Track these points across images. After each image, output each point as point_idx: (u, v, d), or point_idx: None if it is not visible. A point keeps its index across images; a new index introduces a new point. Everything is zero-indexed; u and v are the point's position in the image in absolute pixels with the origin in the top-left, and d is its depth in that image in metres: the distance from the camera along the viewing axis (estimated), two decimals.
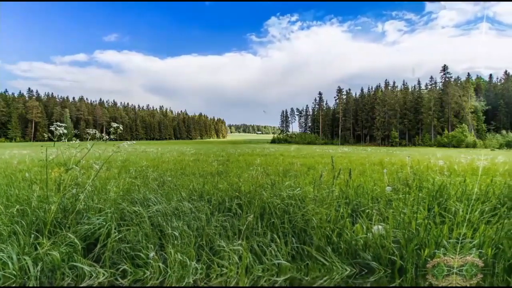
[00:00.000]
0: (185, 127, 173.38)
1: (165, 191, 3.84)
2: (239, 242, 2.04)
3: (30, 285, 2.33)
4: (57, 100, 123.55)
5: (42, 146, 3.89)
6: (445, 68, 79.80)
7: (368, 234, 2.00)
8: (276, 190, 3.22)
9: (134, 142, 3.76)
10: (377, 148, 44.04)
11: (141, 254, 2.31)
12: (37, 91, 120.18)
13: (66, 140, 3.46)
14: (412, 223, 2.09)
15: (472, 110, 73.74)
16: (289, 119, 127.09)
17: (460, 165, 5.53)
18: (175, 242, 2.30)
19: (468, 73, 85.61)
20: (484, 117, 74.05)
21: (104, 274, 2.37)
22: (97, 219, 3.06)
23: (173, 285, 2.00)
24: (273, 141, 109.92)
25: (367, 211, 2.45)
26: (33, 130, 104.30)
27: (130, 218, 3.03)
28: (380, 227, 2.06)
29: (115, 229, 2.77)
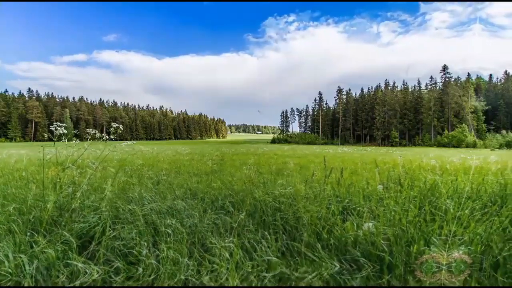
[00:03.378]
0: (185, 127, 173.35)
1: (160, 190, 3.86)
2: (231, 239, 2.05)
3: (26, 283, 2.34)
4: (57, 100, 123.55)
5: (42, 146, 3.90)
6: (445, 68, 79.80)
7: (359, 231, 2.01)
8: (268, 188, 3.25)
9: (134, 142, 3.78)
10: (377, 148, 44.06)
11: (134, 252, 2.32)
12: (37, 91, 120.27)
13: (66, 140, 3.47)
14: (403, 221, 2.11)
15: (472, 110, 73.73)
16: (289, 119, 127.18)
17: (452, 164, 5.54)
18: (168, 239, 2.32)
19: (468, 73, 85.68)
20: (484, 117, 74.04)
21: (98, 272, 2.39)
22: (92, 217, 3.09)
23: (165, 282, 2.02)
24: (273, 141, 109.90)
25: (358, 209, 2.47)
26: (33, 130, 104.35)
27: (125, 217, 3.05)
28: (370, 224, 2.08)
29: (110, 227, 2.79)
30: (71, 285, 2.29)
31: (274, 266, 1.76)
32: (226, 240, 2.05)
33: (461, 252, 1.93)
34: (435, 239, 2.01)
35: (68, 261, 2.48)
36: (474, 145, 62.36)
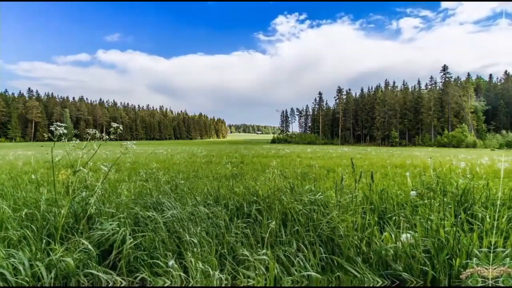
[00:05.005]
0: (185, 127, 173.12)
1: (179, 195, 3.79)
2: (264, 251, 1.97)
3: None
4: (57, 100, 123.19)
5: (42, 146, 3.85)
6: (445, 68, 79.86)
7: (398, 243, 1.93)
8: (296, 194, 3.18)
9: (134, 142, 3.70)
10: (378, 148, 44.08)
11: (160, 262, 2.24)
12: (37, 91, 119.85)
13: (66, 140, 3.39)
14: (441, 231, 2.03)
15: (472, 110, 73.84)
16: (289, 119, 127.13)
17: (481, 167, 5.49)
18: (195, 249, 2.24)
19: (468, 73, 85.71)
20: (484, 117, 74.14)
21: (121, 283, 2.31)
22: (110, 224, 3.03)
23: None
24: (273, 141, 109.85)
25: (393, 217, 2.40)
26: (33, 130, 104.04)
27: (145, 224, 2.96)
28: (408, 235, 2.00)
29: (129, 235, 2.71)
30: None
31: (315, 283, 1.68)
32: (259, 252, 1.97)
33: (507, 265, 1.86)
34: (477, 251, 1.93)
35: (89, 271, 2.41)
36: (474, 145, 62.41)
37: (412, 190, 3.05)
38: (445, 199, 2.72)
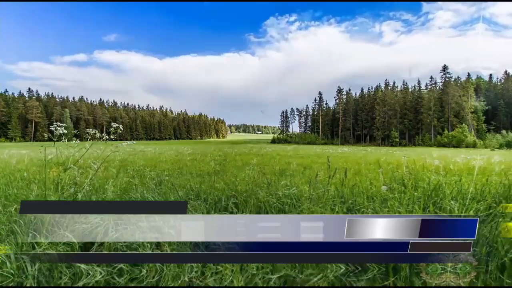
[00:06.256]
0: (185, 127, 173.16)
1: (162, 191, 3.91)
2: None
3: (28, 284, 2.37)
4: (57, 100, 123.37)
5: (42, 146, 3.95)
6: (445, 68, 79.83)
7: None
8: (272, 189, 3.31)
9: (134, 142, 3.80)
10: (377, 148, 44.12)
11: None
12: (37, 91, 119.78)
13: (66, 140, 3.49)
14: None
15: (472, 110, 73.78)
16: (289, 119, 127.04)
17: (456, 164, 5.64)
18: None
19: (468, 73, 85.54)
20: (484, 117, 74.06)
21: (101, 273, 2.41)
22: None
23: (168, 283, 2.02)
24: (273, 141, 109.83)
25: (362, 210, 2.49)
26: (33, 130, 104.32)
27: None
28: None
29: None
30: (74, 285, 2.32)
31: (279, 268, 1.75)
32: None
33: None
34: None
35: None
36: (474, 145, 62.37)
37: (384, 185, 3.17)
38: (415, 193, 2.82)
